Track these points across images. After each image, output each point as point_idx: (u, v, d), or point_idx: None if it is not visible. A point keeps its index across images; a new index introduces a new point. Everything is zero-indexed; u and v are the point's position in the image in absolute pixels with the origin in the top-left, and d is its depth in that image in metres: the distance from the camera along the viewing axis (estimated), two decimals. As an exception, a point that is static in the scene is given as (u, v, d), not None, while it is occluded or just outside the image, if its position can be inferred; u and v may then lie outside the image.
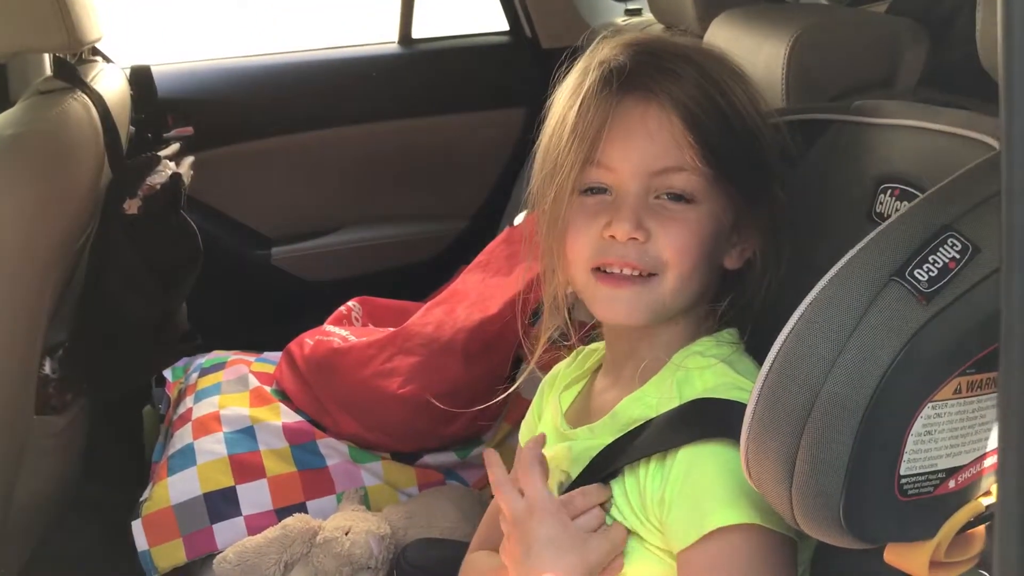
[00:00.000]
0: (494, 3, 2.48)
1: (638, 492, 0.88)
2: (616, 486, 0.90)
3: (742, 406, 0.74)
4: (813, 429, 0.67)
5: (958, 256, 0.66)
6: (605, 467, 0.91)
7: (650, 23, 2.07)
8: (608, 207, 0.91)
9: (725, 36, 1.49)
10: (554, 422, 1.03)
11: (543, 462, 0.94)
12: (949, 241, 0.66)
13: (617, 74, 0.90)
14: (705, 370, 0.91)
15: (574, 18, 2.40)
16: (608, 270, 0.92)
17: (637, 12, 2.31)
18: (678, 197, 0.90)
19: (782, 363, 0.70)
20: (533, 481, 0.90)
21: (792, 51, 1.31)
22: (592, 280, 0.92)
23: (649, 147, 0.90)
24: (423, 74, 2.39)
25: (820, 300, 0.69)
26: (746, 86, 0.95)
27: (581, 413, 1.02)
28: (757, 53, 1.38)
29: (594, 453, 0.92)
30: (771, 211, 0.94)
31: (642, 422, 0.90)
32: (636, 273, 0.91)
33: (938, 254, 0.66)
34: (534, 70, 2.38)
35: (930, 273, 0.66)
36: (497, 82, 2.42)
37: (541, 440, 0.96)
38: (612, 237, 0.90)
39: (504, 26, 2.49)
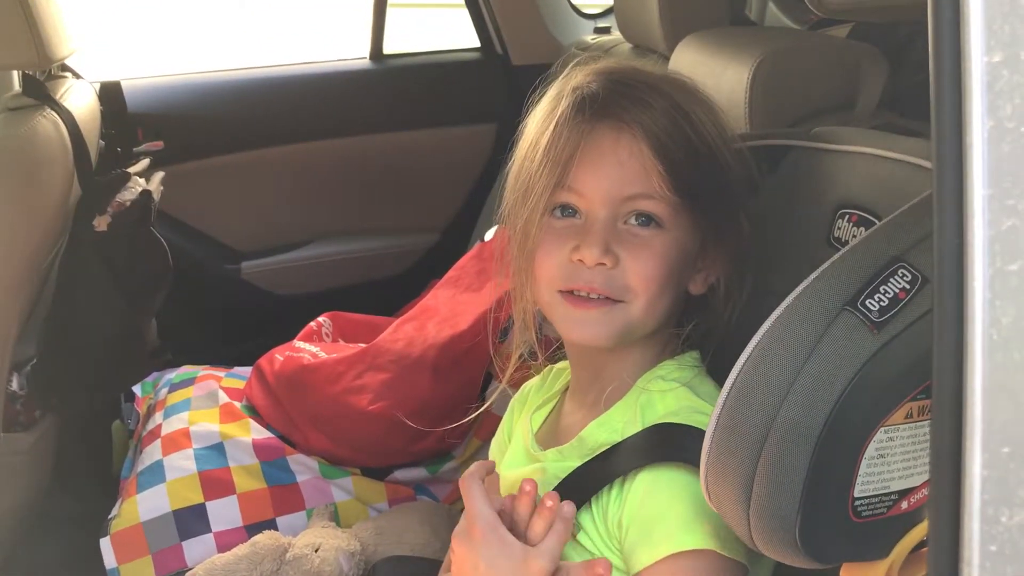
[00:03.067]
0: (466, 20, 2.50)
1: (602, 516, 0.90)
2: (584, 512, 0.91)
3: (700, 431, 0.76)
4: (769, 453, 0.69)
5: (908, 286, 0.68)
6: (574, 490, 0.92)
7: (619, 42, 2.10)
8: (577, 231, 0.93)
9: (690, 58, 1.52)
10: (525, 443, 1.04)
11: (485, 479, 0.93)
12: (900, 272, 0.69)
13: (590, 101, 0.92)
14: (667, 393, 0.93)
15: (544, 36, 2.42)
16: (576, 293, 0.93)
17: (606, 31, 2.33)
18: (647, 221, 0.92)
19: (739, 389, 0.72)
20: (473, 498, 0.90)
21: (755, 75, 1.34)
22: (559, 300, 0.94)
23: (619, 174, 0.91)
24: (394, 89, 2.41)
25: (775, 329, 0.71)
26: (715, 116, 0.97)
27: (551, 435, 1.03)
28: (721, 76, 1.40)
29: (563, 475, 0.94)
30: (736, 239, 0.96)
31: (609, 446, 0.91)
32: (603, 297, 0.92)
33: (889, 284, 0.69)
34: (505, 86, 2.41)
35: (881, 303, 0.68)
36: (468, 98, 2.44)
37: (488, 465, 0.95)
38: (580, 261, 0.91)
39: (475, 43, 2.51)
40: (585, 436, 0.95)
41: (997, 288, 0.42)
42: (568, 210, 0.94)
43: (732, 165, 0.96)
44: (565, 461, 0.96)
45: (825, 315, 0.69)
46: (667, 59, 1.65)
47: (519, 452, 1.05)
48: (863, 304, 0.68)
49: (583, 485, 0.91)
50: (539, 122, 0.96)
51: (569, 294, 0.93)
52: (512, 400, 1.14)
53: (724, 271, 0.97)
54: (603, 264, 0.91)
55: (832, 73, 1.42)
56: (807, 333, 0.69)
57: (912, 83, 1.39)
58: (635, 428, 0.91)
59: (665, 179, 0.90)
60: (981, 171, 0.41)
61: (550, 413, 1.07)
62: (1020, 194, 0.41)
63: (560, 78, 0.98)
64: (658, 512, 0.85)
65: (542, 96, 0.98)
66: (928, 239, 0.69)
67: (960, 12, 0.40)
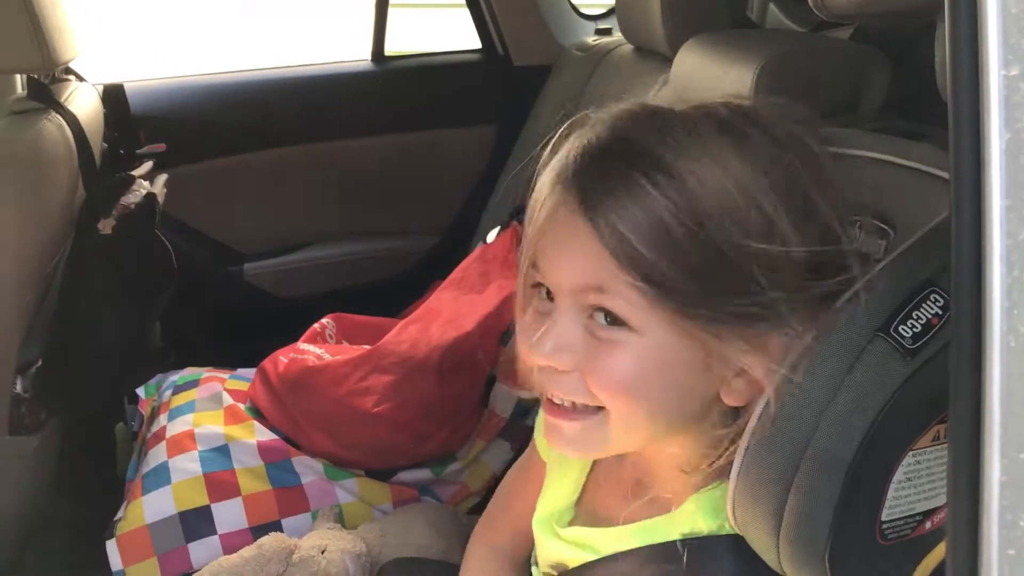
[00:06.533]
0: (468, 21, 2.51)
1: None
2: None
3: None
4: (802, 482, 0.68)
5: (940, 312, 0.67)
6: None
7: (620, 43, 2.11)
8: (545, 320, 0.77)
9: (693, 62, 1.52)
10: (562, 499, 0.92)
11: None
12: (932, 297, 0.68)
13: (573, 162, 0.74)
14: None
15: (545, 36, 2.43)
16: (548, 395, 0.78)
17: (608, 32, 2.34)
18: (613, 319, 0.73)
19: (771, 417, 0.70)
20: None
21: (759, 78, 1.34)
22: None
23: (574, 259, 0.73)
24: (396, 91, 2.41)
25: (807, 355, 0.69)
26: (784, 169, 0.72)
27: (586, 497, 0.92)
28: (724, 79, 1.41)
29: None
30: (779, 345, 0.71)
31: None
32: (572, 404, 0.76)
33: (921, 310, 0.67)
34: (506, 87, 2.42)
35: (914, 329, 0.67)
36: (469, 99, 2.45)
37: None
38: None
39: (477, 44, 2.51)
40: (601, 547, 0.84)
41: (1015, 297, 0.43)
42: (546, 293, 0.77)
43: (775, 253, 0.70)
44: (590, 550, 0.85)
45: (859, 341, 0.67)
46: (669, 60, 1.65)
47: (552, 506, 0.93)
48: (896, 330, 0.67)
49: None
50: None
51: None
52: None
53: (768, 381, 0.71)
54: (551, 367, 0.75)
55: (835, 76, 1.43)
56: (840, 360, 0.68)
57: (915, 85, 1.40)
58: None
59: (624, 272, 0.70)
60: (999, 183, 0.42)
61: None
62: (1038, 205, 0.42)
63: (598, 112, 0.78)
64: None
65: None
66: None
67: (978, 27, 0.40)
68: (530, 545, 1.00)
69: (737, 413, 0.76)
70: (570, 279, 0.74)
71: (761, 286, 0.70)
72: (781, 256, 0.70)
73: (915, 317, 0.67)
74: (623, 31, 2.00)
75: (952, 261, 0.45)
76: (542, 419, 0.94)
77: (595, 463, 0.92)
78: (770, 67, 1.35)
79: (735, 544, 0.75)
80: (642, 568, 0.79)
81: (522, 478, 1.07)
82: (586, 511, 0.91)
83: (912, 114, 1.35)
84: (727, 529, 0.77)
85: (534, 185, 0.78)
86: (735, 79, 1.39)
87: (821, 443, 0.67)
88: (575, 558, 0.86)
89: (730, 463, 0.74)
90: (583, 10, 2.53)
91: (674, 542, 0.78)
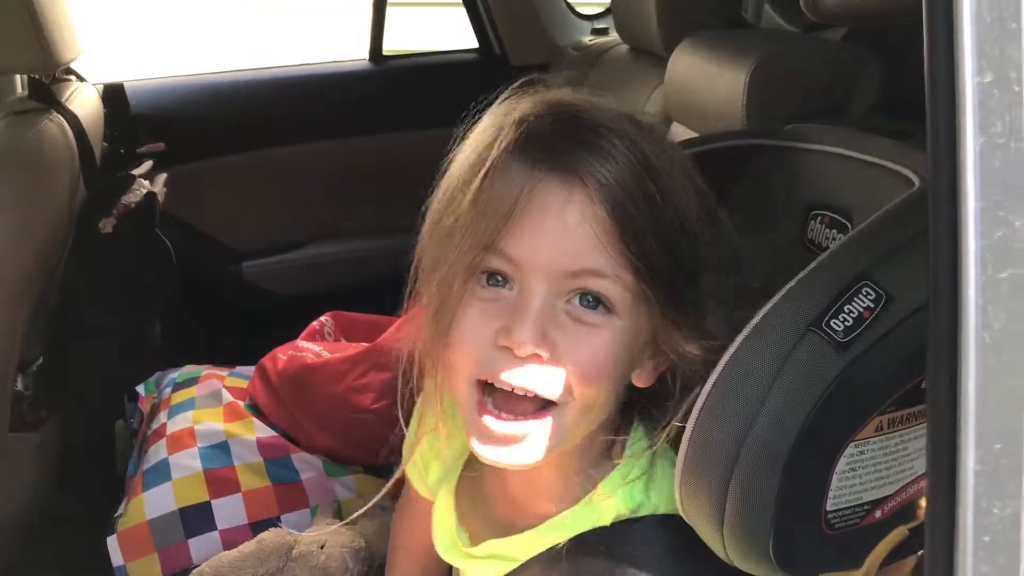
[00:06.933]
0: (465, 21, 2.52)
1: None
2: None
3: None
4: (741, 474, 0.69)
5: (872, 305, 0.68)
6: None
7: (616, 43, 2.13)
8: (507, 308, 0.74)
9: (688, 61, 1.54)
10: (450, 531, 0.91)
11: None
12: (863, 291, 0.68)
13: (536, 144, 0.73)
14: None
15: (542, 36, 2.45)
16: (498, 385, 0.75)
17: (604, 32, 2.36)
18: (594, 303, 0.74)
19: (709, 411, 0.72)
20: None
21: (752, 78, 1.36)
22: (473, 401, 0.76)
23: (565, 243, 0.72)
24: (394, 90, 2.43)
25: (742, 351, 0.70)
26: (686, 168, 0.78)
27: (473, 511, 0.90)
28: (718, 79, 1.43)
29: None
30: (701, 326, 0.76)
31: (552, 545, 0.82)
32: (532, 395, 0.74)
33: (853, 304, 0.68)
34: (503, 87, 2.43)
35: (845, 323, 0.68)
36: (467, 99, 2.45)
37: None
38: (507, 348, 0.73)
39: (474, 44, 2.53)
40: (518, 554, 0.85)
41: (989, 295, 0.45)
42: (497, 278, 0.75)
43: (705, 231, 0.76)
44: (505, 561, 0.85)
45: (790, 337, 0.69)
46: (664, 60, 1.67)
47: (446, 534, 0.92)
48: (827, 324, 0.68)
49: None
50: (475, 154, 0.77)
51: (486, 389, 0.75)
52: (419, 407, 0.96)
53: (680, 363, 0.76)
54: (536, 355, 0.72)
55: (827, 77, 1.45)
56: (773, 355, 0.69)
57: (905, 85, 1.42)
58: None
59: (623, 256, 0.72)
60: (973, 185, 0.44)
61: (464, 473, 0.92)
62: (1010, 206, 0.44)
63: (503, 101, 0.80)
64: None
65: (481, 116, 0.81)
66: (892, 255, 0.70)
67: (953, 35, 0.42)
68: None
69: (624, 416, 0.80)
70: (559, 261, 0.73)
71: (719, 271, 0.76)
72: (722, 244, 0.77)
73: (847, 311, 0.68)
74: (619, 31, 2.02)
75: (930, 260, 0.47)
76: (417, 454, 0.96)
77: (463, 478, 0.92)
78: (763, 67, 1.37)
79: (663, 520, 0.78)
80: (569, 561, 0.80)
81: (411, 527, 1.08)
82: (489, 524, 0.89)
83: (902, 113, 1.37)
84: (647, 511, 0.80)
85: (463, 175, 0.78)
86: (729, 79, 1.41)
87: (758, 436, 0.68)
88: (496, 571, 0.85)
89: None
90: (580, 9, 2.55)
91: (592, 531, 0.79)
